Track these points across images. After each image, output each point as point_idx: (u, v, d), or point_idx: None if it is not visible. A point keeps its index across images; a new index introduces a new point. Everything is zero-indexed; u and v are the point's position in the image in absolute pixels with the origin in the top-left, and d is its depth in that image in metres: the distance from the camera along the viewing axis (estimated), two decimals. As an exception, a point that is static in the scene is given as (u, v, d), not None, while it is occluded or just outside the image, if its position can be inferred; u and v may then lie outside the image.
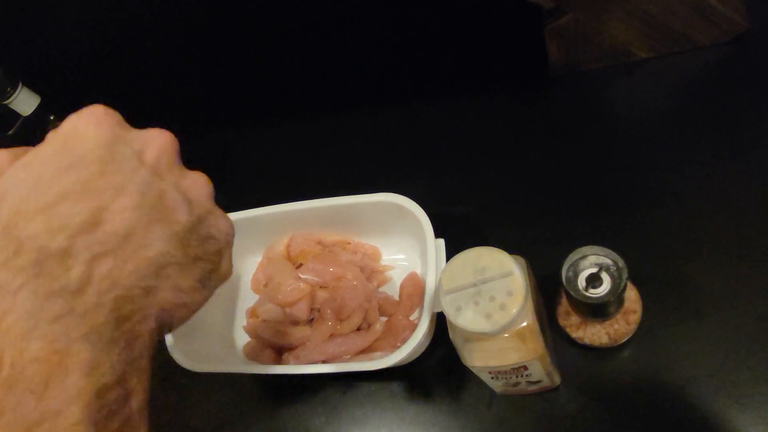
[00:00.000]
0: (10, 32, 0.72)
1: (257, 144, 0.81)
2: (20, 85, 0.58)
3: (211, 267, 0.27)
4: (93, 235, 0.22)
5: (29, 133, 0.62)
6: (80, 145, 0.24)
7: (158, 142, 0.27)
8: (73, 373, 0.20)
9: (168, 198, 0.25)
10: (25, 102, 0.59)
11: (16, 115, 0.60)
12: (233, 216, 0.62)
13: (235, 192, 0.77)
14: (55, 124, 0.60)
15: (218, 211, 0.29)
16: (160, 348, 0.59)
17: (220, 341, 0.62)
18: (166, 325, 0.26)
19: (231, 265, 0.29)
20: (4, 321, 0.20)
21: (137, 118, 0.69)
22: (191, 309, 0.27)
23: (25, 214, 0.22)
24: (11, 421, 0.19)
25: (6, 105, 0.58)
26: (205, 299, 0.28)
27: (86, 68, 0.75)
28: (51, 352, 0.20)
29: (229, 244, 0.29)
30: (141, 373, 0.23)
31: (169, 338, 0.58)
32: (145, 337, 0.23)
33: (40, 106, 0.59)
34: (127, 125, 0.27)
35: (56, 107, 0.61)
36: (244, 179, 0.78)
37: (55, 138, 0.25)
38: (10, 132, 0.65)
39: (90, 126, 0.25)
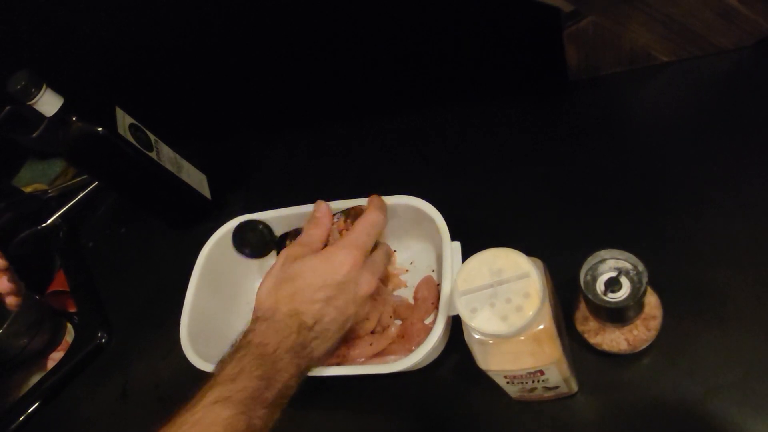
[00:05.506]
0: (34, 34, 0.73)
1: (275, 147, 0.81)
2: (44, 86, 0.59)
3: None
4: (322, 324, 0.49)
5: (52, 134, 0.63)
6: (333, 273, 0.50)
7: (368, 286, 0.51)
8: (287, 362, 0.46)
9: (360, 315, 0.52)
10: (48, 103, 0.60)
11: (39, 116, 0.61)
12: (249, 217, 0.63)
13: (253, 194, 0.78)
14: (77, 125, 0.61)
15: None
16: (174, 348, 0.59)
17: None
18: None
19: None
20: (280, 348, 0.46)
21: (160, 122, 0.70)
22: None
23: (307, 302, 0.49)
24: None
25: (30, 106, 0.59)
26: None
27: (109, 70, 0.77)
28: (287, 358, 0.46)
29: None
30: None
31: (184, 339, 0.59)
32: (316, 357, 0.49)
33: (63, 107, 0.60)
34: (365, 262, 0.52)
35: (79, 108, 0.61)
36: (262, 182, 0.79)
37: (326, 255, 0.51)
38: (35, 134, 0.66)
39: (345, 264, 0.50)
